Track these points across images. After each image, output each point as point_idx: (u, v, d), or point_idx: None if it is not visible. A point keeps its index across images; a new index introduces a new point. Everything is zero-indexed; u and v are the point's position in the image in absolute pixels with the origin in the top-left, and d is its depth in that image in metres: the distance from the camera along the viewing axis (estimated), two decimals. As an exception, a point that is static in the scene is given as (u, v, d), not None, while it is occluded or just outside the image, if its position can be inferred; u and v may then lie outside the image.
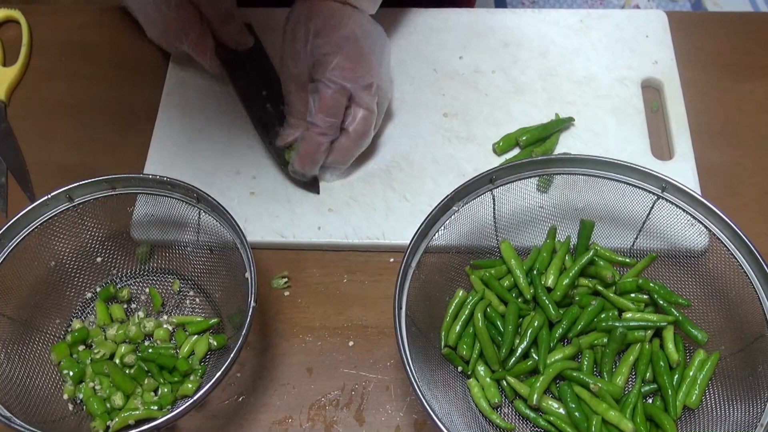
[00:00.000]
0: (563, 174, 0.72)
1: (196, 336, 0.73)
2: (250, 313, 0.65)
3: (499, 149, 0.84)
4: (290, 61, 0.80)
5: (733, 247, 0.68)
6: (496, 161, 0.83)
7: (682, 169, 0.82)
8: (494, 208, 0.73)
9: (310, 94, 0.79)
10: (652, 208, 0.72)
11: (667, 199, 0.70)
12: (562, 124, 0.84)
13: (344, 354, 0.74)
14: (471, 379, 0.70)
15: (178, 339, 0.73)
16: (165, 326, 0.74)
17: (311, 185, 0.82)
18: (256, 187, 0.82)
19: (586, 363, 0.69)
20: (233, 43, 0.87)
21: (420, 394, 0.61)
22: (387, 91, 0.81)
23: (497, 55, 0.91)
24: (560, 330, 0.70)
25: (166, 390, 0.70)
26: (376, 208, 0.81)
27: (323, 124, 0.77)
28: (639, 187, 0.71)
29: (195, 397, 0.62)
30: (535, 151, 0.82)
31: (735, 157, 0.85)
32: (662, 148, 0.85)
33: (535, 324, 0.70)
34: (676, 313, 0.70)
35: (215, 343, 0.72)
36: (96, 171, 0.73)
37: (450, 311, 0.71)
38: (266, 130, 0.84)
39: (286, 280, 0.78)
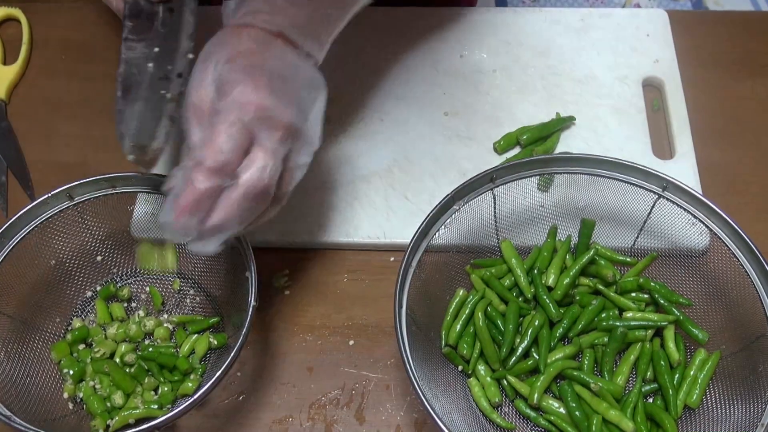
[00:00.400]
0: (564, 173, 0.72)
1: (196, 335, 0.73)
2: (250, 313, 0.65)
3: (499, 148, 0.84)
4: (194, 88, 0.62)
5: (734, 246, 0.68)
6: (497, 160, 0.83)
7: (683, 168, 0.81)
8: (495, 207, 0.73)
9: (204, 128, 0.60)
10: (653, 207, 0.72)
11: (668, 199, 0.70)
12: (562, 123, 0.84)
13: (345, 353, 0.74)
14: (471, 379, 0.70)
15: (178, 338, 0.73)
16: (165, 325, 0.73)
17: (149, 162, 0.68)
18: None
19: (586, 362, 0.69)
20: None
21: (420, 393, 0.61)
22: (309, 145, 0.63)
23: (498, 53, 0.91)
24: (561, 329, 0.70)
25: (166, 389, 0.70)
26: (376, 207, 0.81)
27: (211, 163, 0.58)
28: (640, 186, 0.71)
29: (195, 396, 0.62)
30: (535, 150, 0.82)
31: (736, 156, 0.85)
32: (663, 147, 0.85)
33: (536, 323, 0.70)
34: (676, 312, 0.70)
35: (215, 342, 0.72)
36: (97, 170, 0.73)
37: (450, 310, 0.71)
38: (127, 92, 0.68)
39: (286, 279, 0.78)
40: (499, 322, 0.71)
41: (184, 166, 0.60)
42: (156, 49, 0.65)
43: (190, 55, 0.66)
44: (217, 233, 0.61)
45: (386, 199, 0.81)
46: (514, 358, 0.69)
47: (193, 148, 0.60)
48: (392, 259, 0.79)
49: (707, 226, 0.69)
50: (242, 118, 0.59)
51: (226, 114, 0.59)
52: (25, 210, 0.70)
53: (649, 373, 0.69)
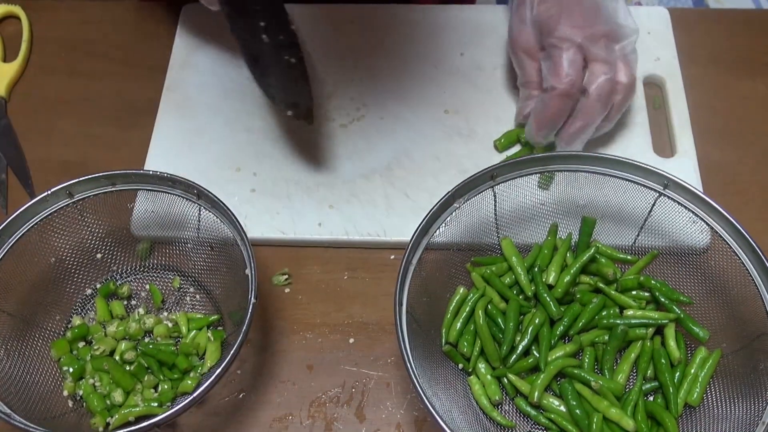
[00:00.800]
0: (565, 171, 0.72)
1: (195, 331, 0.73)
2: (250, 310, 0.65)
3: (500, 146, 0.84)
4: (517, 31, 0.79)
5: (735, 244, 0.68)
6: (497, 158, 0.83)
7: (684, 167, 0.81)
8: (495, 205, 0.73)
9: (542, 62, 0.76)
10: (653, 205, 0.71)
11: (669, 197, 0.70)
12: None
13: (345, 351, 0.74)
14: (472, 377, 0.70)
15: (181, 337, 0.73)
16: (165, 323, 0.73)
17: (305, 114, 0.78)
18: (257, 183, 0.82)
19: (587, 360, 0.69)
20: None
21: (421, 391, 0.61)
22: (627, 36, 0.76)
23: (498, 51, 0.91)
24: (561, 327, 0.70)
25: (166, 387, 0.70)
26: (376, 204, 0.80)
27: (561, 86, 0.74)
28: (641, 185, 0.70)
29: (195, 394, 0.62)
30: (536, 149, 0.82)
31: (737, 154, 0.85)
32: (664, 145, 0.85)
33: (536, 321, 0.70)
34: (677, 310, 0.70)
35: (213, 339, 0.72)
36: (96, 167, 0.73)
37: (451, 308, 0.71)
38: (258, 65, 0.75)
39: (286, 276, 0.78)
40: (499, 320, 0.70)
41: (527, 95, 0.80)
42: (262, 23, 0.71)
43: (293, 26, 0.71)
44: (579, 136, 0.77)
45: (386, 197, 0.81)
46: (514, 356, 0.69)
47: (538, 83, 0.78)
48: (392, 257, 0.79)
49: (708, 224, 0.69)
50: (572, 45, 0.74)
51: (558, 46, 0.74)
52: (24, 207, 0.70)
53: (649, 371, 0.69)
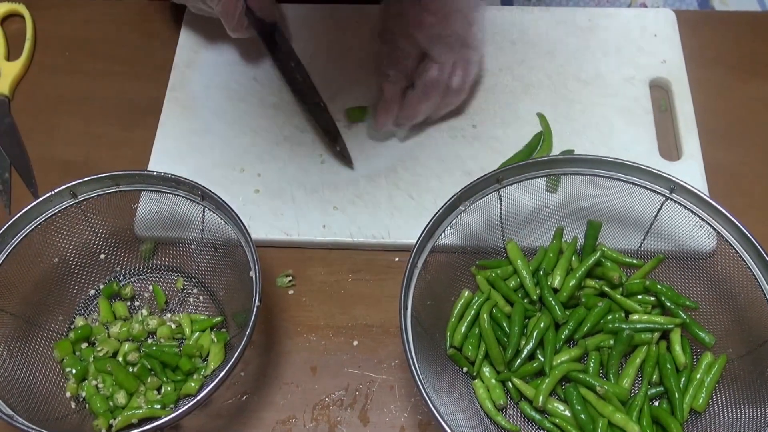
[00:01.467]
0: (571, 174, 0.72)
1: (198, 333, 0.72)
2: (254, 312, 0.65)
3: (349, 116, 0.86)
4: (384, 14, 0.82)
5: (741, 249, 0.67)
6: (502, 160, 0.83)
7: (690, 170, 0.81)
8: (501, 208, 0.73)
9: (386, 51, 0.80)
10: (660, 209, 0.71)
11: (675, 201, 0.69)
12: (540, 139, 0.84)
13: (348, 353, 0.74)
14: (476, 380, 0.69)
15: (185, 339, 0.73)
16: (168, 324, 0.73)
17: (346, 159, 0.82)
18: (261, 184, 0.82)
19: (592, 365, 0.69)
20: (260, 9, 0.84)
21: (425, 394, 0.60)
22: (475, 44, 0.81)
23: (504, 53, 0.90)
24: (566, 331, 0.70)
25: (169, 388, 0.70)
26: (381, 206, 0.80)
27: (392, 72, 0.79)
28: (648, 188, 0.70)
29: (198, 397, 0.61)
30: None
31: (743, 157, 0.84)
32: (670, 148, 0.84)
33: (541, 325, 0.69)
34: (683, 315, 0.69)
35: (216, 341, 0.72)
36: (100, 167, 0.72)
37: (455, 311, 0.71)
38: (304, 97, 0.85)
39: (290, 278, 0.78)
40: (504, 323, 0.70)
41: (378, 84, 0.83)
42: (292, 64, 0.86)
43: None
44: (408, 122, 0.82)
45: (391, 199, 0.81)
46: (519, 360, 0.69)
47: (383, 66, 0.81)
48: (396, 259, 0.79)
49: (714, 229, 0.69)
50: (414, 36, 0.77)
51: (404, 35, 0.78)
52: (28, 208, 0.70)
53: (654, 376, 0.69)
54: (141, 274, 0.77)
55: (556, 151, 0.83)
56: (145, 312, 0.74)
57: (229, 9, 0.80)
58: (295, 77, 0.86)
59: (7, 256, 0.69)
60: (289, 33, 0.89)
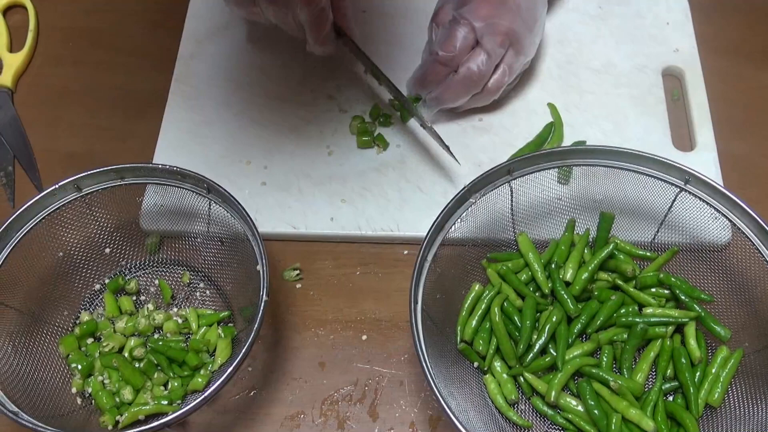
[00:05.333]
0: (583, 165, 0.70)
1: (205, 327, 0.71)
2: (261, 307, 0.64)
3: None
4: (440, 6, 0.82)
5: (757, 240, 0.66)
6: (512, 151, 0.81)
7: (704, 160, 0.80)
8: (512, 200, 0.72)
9: (440, 30, 0.79)
10: (674, 200, 0.70)
11: (690, 192, 0.68)
12: (550, 130, 0.83)
13: (357, 348, 0.73)
14: (487, 375, 0.68)
15: (191, 334, 0.72)
16: (175, 319, 0.72)
17: (449, 151, 0.79)
18: (268, 177, 0.80)
19: (605, 359, 0.68)
20: (342, 23, 0.81)
21: (436, 390, 0.59)
22: (526, 50, 0.80)
23: (514, 42, 0.89)
24: (579, 325, 0.69)
25: (176, 384, 0.69)
26: (389, 198, 0.79)
27: (441, 53, 0.77)
28: (662, 180, 0.69)
29: (206, 393, 0.61)
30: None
31: (758, 147, 0.83)
32: (683, 138, 0.83)
33: (553, 319, 0.68)
34: (698, 308, 0.68)
35: (223, 335, 0.71)
36: (104, 159, 0.71)
37: (466, 305, 0.70)
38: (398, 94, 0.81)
39: (298, 272, 0.77)
40: (515, 317, 0.69)
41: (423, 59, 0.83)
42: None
43: None
44: (437, 103, 0.81)
45: (400, 191, 0.79)
46: (531, 354, 0.67)
47: (434, 45, 0.80)
48: (405, 252, 0.78)
49: (730, 220, 0.67)
50: (473, 24, 0.76)
51: (458, 21, 0.77)
52: (32, 201, 0.69)
53: (669, 371, 0.68)
54: (147, 269, 0.76)
55: (567, 141, 0.82)
56: (151, 306, 0.73)
57: (318, 22, 0.77)
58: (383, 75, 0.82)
59: (11, 250, 0.68)
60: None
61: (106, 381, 0.69)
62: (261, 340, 0.73)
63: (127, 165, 0.71)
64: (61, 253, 0.73)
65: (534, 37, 0.80)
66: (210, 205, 0.71)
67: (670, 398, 0.68)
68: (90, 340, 0.71)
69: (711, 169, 0.79)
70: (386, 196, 0.79)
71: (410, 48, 0.88)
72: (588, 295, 0.71)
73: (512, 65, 0.79)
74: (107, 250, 0.75)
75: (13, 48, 0.93)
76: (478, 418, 0.65)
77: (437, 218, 0.67)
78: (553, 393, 0.65)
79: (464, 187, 0.68)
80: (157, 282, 0.75)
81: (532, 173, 0.71)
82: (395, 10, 0.92)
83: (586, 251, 0.72)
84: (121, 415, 0.67)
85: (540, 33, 0.81)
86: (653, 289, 0.71)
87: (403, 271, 0.77)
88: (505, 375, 0.68)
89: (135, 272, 0.76)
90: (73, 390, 0.69)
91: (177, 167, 0.70)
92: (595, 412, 0.64)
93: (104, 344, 0.70)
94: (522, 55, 0.80)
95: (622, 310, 0.69)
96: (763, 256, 0.66)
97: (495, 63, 0.78)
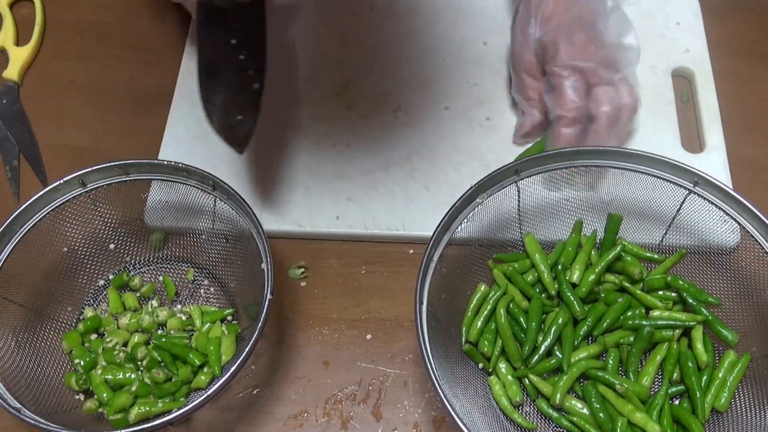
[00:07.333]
0: (591, 166, 0.70)
1: (209, 325, 0.71)
2: (266, 305, 0.63)
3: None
4: (519, 49, 0.79)
5: (766, 244, 0.65)
6: (519, 150, 0.81)
7: (713, 162, 0.79)
8: (519, 201, 0.71)
9: (546, 93, 0.76)
10: (683, 202, 0.69)
11: (699, 194, 0.67)
12: None
13: (362, 347, 0.73)
14: (492, 377, 0.68)
15: (195, 331, 0.72)
16: (179, 316, 0.72)
17: (240, 142, 0.72)
18: (274, 174, 0.80)
19: (611, 362, 0.67)
20: None
21: (440, 391, 0.59)
22: (626, 56, 0.77)
23: (522, 40, 0.88)
24: (585, 327, 0.68)
25: (179, 381, 0.68)
26: (396, 197, 0.78)
27: (568, 114, 0.74)
28: (670, 181, 0.68)
29: (209, 392, 0.60)
30: None
31: (767, 148, 0.82)
32: (692, 139, 0.82)
33: (559, 321, 0.68)
34: (705, 312, 0.68)
35: (227, 333, 0.70)
36: (109, 155, 0.71)
37: (471, 306, 0.69)
38: (212, 79, 0.68)
39: (302, 270, 0.76)
40: (521, 319, 0.69)
41: (527, 112, 0.79)
42: (233, 41, 0.66)
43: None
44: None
45: (406, 190, 0.79)
46: (536, 356, 0.67)
47: (537, 102, 0.78)
48: (411, 251, 0.77)
49: (739, 223, 0.67)
50: (574, 72, 0.73)
51: (560, 74, 0.74)
52: (37, 196, 0.68)
53: (675, 375, 0.67)
54: (151, 265, 0.76)
55: (575, 142, 0.81)
56: (155, 303, 0.73)
57: None
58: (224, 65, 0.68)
59: (15, 245, 0.68)
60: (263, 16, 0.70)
61: (108, 377, 0.68)
62: (265, 339, 0.73)
63: (133, 161, 0.70)
64: (65, 249, 0.73)
65: (627, 33, 0.78)
66: (215, 202, 0.71)
67: (676, 402, 0.67)
68: (93, 336, 0.71)
69: (720, 171, 0.78)
70: (393, 195, 0.79)
71: (416, 45, 0.87)
72: (594, 297, 0.71)
73: (624, 75, 0.76)
74: (112, 246, 0.75)
75: (19, 42, 0.92)
76: (482, 420, 0.64)
77: (444, 218, 0.66)
78: (559, 395, 0.65)
79: (471, 187, 0.67)
80: (161, 278, 0.75)
81: (540, 173, 0.70)
82: (403, 7, 0.91)
83: (593, 253, 0.72)
84: (126, 412, 0.66)
85: (622, 40, 0.78)
86: (660, 292, 0.70)
87: (408, 270, 0.76)
88: (510, 377, 0.67)
89: (139, 268, 0.76)
90: (75, 390, 0.68)
91: (182, 164, 0.70)
92: (601, 415, 0.64)
93: (108, 340, 0.70)
94: (628, 66, 0.77)
95: (629, 313, 0.69)
96: (772, 260, 0.65)
97: (619, 88, 0.75)
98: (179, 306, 0.74)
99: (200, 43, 0.66)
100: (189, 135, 0.83)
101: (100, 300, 0.74)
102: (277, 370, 0.72)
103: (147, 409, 0.66)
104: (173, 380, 0.68)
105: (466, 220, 0.68)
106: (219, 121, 0.69)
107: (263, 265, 0.66)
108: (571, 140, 0.75)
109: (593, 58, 0.74)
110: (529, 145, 0.81)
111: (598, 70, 0.74)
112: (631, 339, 0.68)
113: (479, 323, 0.68)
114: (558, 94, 0.74)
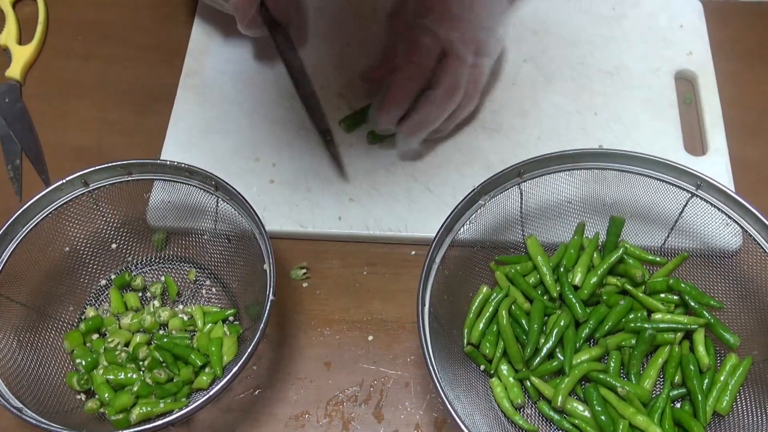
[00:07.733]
0: (594, 169, 0.70)
1: (211, 325, 0.71)
2: (268, 306, 0.63)
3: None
4: (394, 11, 0.78)
5: (768, 247, 0.65)
6: (523, 152, 0.81)
7: (716, 165, 0.79)
8: (521, 203, 0.71)
9: (401, 43, 0.75)
10: (685, 205, 0.69)
11: (702, 198, 0.67)
12: None
13: (363, 348, 0.73)
14: (494, 379, 0.68)
15: (197, 331, 0.72)
16: (180, 316, 0.72)
17: (340, 169, 0.79)
18: (276, 175, 0.80)
19: (613, 365, 0.67)
20: (275, 8, 0.78)
21: (442, 392, 0.59)
22: (489, 57, 0.76)
23: (526, 43, 0.88)
24: (587, 330, 0.68)
25: (181, 382, 0.68)
26: (398, 198, 0.78)
27: (409, 67, 0.73)
28: (673, 184, 0.68)
29: (211, 393, 0.60)
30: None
31: (770, 152, 0.82)
32: (695, 142, 0.82)
33: (561, 323, 0.68)
34: (707, 315, 0.68)
35: (229, 333, 0.70)
36: (112, 153, 0.71)
37: (473, 308, 0.69)
38: (314, 108, 0.79)
39: (304, 271, 0.76)
40: (523, 321, 0.69)
41: (379, 65, 0.78)
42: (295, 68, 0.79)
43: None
44: (419, 129, 0.75)
45: (408, 191, 0.79)
46: (538, 358, 0.67)
47: (393, 57, 0.76)
48: (413, 252, 0.77)
49: (741, 226, 0.67)
50: (437, 33, 0.72)
51: (421, 29, 0.73)
52: (39, 196, 0.68)
53: (677, 378, 0.67)
54: (153, 265, 0.76)
55: (578, 144, 0.81)
56: (156, 303, 0.73)
57: (244, 3, 0.75)
58: (304, 82, 0.79)
59: (17, 244, 0.68)
60: (305, 33, 0.83)
61: (109, 377, 0.68)
62: (266, 339, 0.73)
63: (135, 161, 0.70)
64: (67, 248, 0.73)
65: (497, 36, 0.77)
66: (217, 203, 0.71)
67: (678, 405, 0.67)
68: (95, 336, 0.71)
69: (723, 174, 0.78)
70: (395, 196, 0.79)
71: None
72: (596, 299, 0.71)
73: (482, 68, 0.76)
74: (114, 246, 0.75)
75: (22, 40, 0.92)
76: (483, 422, 0.64)
77: (446, 219, 0.66)
78: (560, 398, 0.65)
79: (474, 189, 0.67)
80: (163, 278, 0.75)
81: (543, 176, 0.70)
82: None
83: (595, 255, 0.72)
84: (127, 413, 0.66)
85: (502, 30, 0.77)
86: (662, 295, 0.70)
87: (410, 271, 0.76)
88: (511, 379, 0.67)
89: (141, 268, 0.76)
90: (77, 390, 0.68)
91: (185, 164, 0.70)
92: (602, 417, 0.64)
93: (109, 340, 0.70)
94: (487, 57, 0.76)
95: (631, 316, 0.69)
96: (775, 263, 0.65)
97: (465, 69, 0.74)
98: (181, 306, 0.73)
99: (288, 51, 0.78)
100: (191, 135, 0.83)
101: (102, 300, 0.74)
102: (278, 371, 0.72)
103: (148, 409, 0.66)
104: (175, 381, 0.68)
105: (468, 222, 0.68)
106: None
107: (266, 266, 0.66)
108: (402, 96, 0.74)
109: (461, 32, 0.72)
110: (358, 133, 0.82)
111: (461, 45, 0.73)
112: (633, 342, 0.68)
113: (481, 325, 0.68)
114: (410, 47, 0.74)
